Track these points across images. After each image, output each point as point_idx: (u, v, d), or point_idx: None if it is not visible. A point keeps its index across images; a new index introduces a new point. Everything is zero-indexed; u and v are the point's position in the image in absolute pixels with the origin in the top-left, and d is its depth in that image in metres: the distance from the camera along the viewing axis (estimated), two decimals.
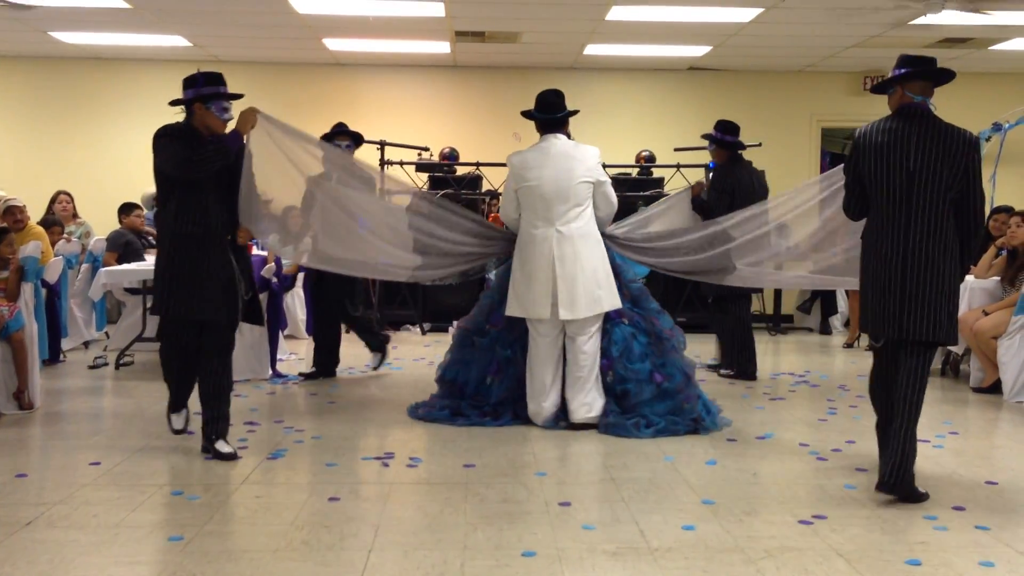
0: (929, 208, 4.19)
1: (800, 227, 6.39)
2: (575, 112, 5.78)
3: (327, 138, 6.82)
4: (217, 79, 4.87)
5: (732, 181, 7.17)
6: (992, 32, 9.47)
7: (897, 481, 4.14)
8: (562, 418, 5.65)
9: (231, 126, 4.95)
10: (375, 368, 7.50)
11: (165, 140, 4.80)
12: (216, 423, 4.90)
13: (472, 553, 3.54)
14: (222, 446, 4.87)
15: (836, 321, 10.71)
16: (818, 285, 7.94)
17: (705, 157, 10.56)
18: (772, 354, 9.18)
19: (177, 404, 5.21)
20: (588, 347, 5.60)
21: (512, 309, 5.69)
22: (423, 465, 4.84)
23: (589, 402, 5.58)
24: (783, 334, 10.54)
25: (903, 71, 4.31)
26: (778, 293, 10.81)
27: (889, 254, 4.22)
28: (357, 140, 7.17)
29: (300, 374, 7.30)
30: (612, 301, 5.61)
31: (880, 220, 4.28)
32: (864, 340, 9.40)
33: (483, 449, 5.11)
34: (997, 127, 11.18)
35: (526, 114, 5.79)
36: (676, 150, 10.59)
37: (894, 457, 4.13)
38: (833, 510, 4.10)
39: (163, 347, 5.13)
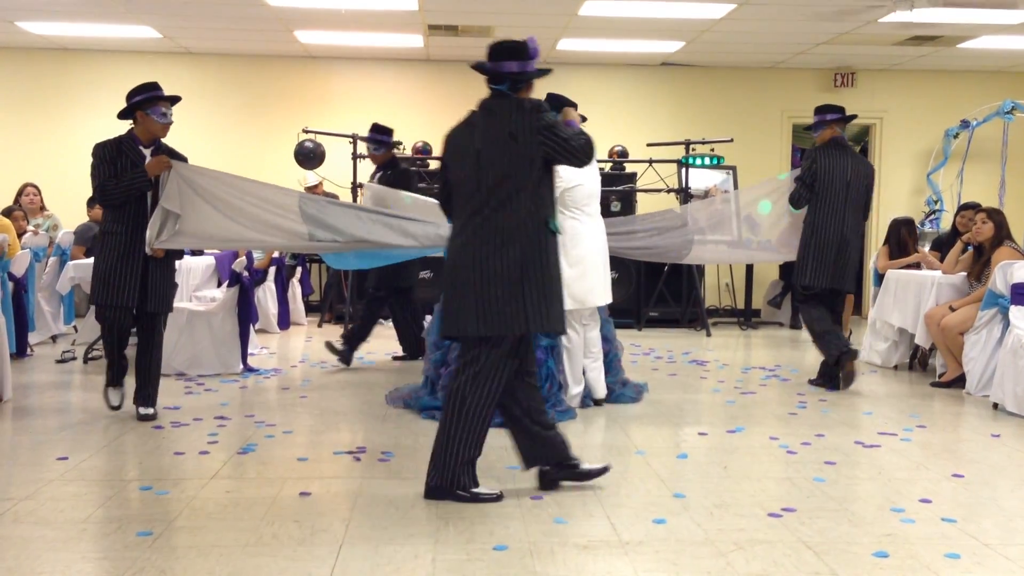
0: (856, 206, 6.70)
1: (771, 224, 6.76)
2: None
3: (136, 106, 5.43)
4: None
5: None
6: (961, 30, 9.57)
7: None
8: (589, 398, 6.08)
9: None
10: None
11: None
12: None
13: (443, 547, 3.54)
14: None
15: None
16: (756, 260, 8.90)
17: (678, 152, 10.67)
18: (743, 348, 9.24)
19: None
20: (597, 333, 6.12)
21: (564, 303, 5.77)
22: (395, 459, 4.83)
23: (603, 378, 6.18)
24: (753, 328, 10.62)
25: (837, 116, 6.74)
26: (749, 288, 10.88)
27: (832, 233, 6.59)
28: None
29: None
30: None
31: (828, 211, 6.62)
32: None
33: None
34: (965, 124, 11.32)
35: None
36: (649, 145, 10.65)
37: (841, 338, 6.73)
38: (802, 503, 4.13)
39: (499, 380, 4.12)
